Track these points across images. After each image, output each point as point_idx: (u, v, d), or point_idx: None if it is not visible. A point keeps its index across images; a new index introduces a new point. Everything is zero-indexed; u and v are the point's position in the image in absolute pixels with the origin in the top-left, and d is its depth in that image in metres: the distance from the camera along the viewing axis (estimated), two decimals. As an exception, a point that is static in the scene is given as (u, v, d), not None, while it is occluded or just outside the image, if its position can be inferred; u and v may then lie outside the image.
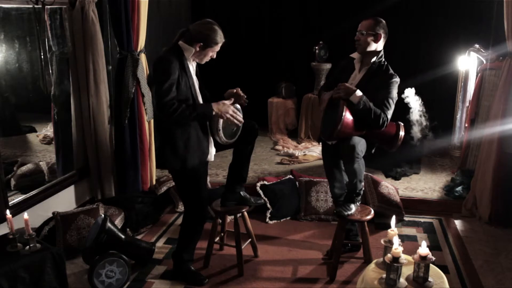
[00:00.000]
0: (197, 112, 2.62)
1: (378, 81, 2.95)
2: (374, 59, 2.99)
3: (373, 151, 3.11)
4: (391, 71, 2.98)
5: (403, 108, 3.45)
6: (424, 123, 3.70)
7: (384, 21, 2.98)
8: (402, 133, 3.03)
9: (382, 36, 2.96)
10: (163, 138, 2.73)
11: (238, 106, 2.86)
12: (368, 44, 2.95)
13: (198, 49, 2.66)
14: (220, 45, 2.72)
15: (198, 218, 2.97)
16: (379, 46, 2.98)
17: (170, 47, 2.71)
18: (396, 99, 2.98)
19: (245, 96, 2.87)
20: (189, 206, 2.95)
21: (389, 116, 2.92)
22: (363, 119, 2.89)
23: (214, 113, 2.67)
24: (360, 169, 2.96)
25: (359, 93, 2.87)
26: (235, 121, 2.73)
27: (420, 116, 3.67)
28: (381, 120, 2.87)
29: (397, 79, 2.96)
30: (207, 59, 2.75)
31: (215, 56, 2.76)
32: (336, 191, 3.26)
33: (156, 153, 2.81)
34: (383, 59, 3.02)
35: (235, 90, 2.85)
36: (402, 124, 3.08)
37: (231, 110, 2.71)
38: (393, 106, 2.94)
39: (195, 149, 2.75)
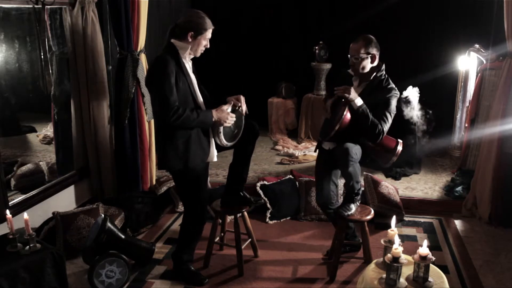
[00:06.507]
0: (199, 119, 2.64)
1: (378, 95, 2.93)
2: (374, 74, 2.97)
3: (367, 161, 3.12)
4: (392, 84, 2.96)
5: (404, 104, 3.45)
6: (424, 114, 3.69)
7: (373, 37, 2.94)
8: (400, 148, 3.04)
9: (377, 54, 2.93)
10: (163, 138, 2.73)
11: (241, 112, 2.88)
12: (365, 67, 2.94)
13: (190, 39, 2.66)
14: (210, 31, 2.72)
15: (198, 219, 2.97)
16: (375, 63, 2.96)
17: (164, 47, 2.72)
18: (395, 112, 2.98)
19: (243, 105, 2.84)
20: (189, 206, 2.95)
21: (386, 129, 2.92)
22: (361, 125, 2.89)
23: (214, 119, 2.69)
24: (356, 172, 2.96)
25: (360, 101, 2.87)
26: (231, 124, 2.76)
27: (421, 109, 3.66)
28: (377, 129, 2.86)
29: (396, 93, 2.96)
30: (201, 49, 2.74)
31: (208, 46, 2.75)
32: (320, 201, 3.24)
33: (157, 154, 2.81)
34: (384, 73, 2.99)
35: (237, 99, 2.84)
36: (401, 141, 3.09)
37: (230, 117, 2.73)
38: (390, 120, 2.94)
39: (197, 149, 2.75)
